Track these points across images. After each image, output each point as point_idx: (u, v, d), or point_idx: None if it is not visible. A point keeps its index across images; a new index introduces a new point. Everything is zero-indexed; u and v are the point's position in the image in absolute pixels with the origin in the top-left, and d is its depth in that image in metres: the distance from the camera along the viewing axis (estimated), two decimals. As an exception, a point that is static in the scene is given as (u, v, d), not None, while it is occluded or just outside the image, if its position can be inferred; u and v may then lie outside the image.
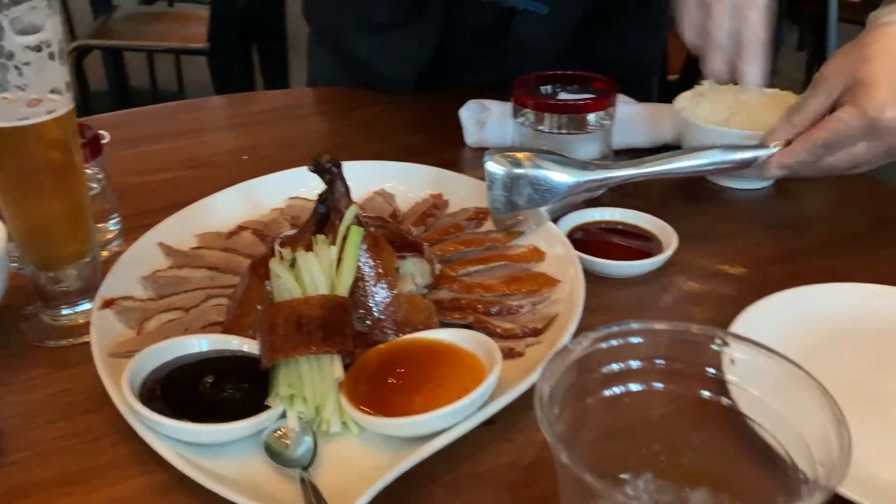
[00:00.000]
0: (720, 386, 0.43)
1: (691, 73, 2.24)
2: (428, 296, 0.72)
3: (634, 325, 0.43)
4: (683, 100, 0.97)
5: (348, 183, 0.70)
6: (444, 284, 0.75)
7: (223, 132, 1.19)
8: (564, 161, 0.82)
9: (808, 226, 0.91)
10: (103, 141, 0.86)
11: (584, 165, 0.82)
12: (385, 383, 0.60)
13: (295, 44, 3.51)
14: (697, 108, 0.94)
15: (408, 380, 0.61)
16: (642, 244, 0.83)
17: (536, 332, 0.68)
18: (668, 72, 2.14)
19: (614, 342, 0.43)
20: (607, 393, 0.44)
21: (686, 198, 0.95)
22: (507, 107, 1.01)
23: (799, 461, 0.39)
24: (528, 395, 0.60)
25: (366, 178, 0.89)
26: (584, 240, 0.82)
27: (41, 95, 0.63)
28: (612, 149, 0.97)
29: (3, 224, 0.70)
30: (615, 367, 0.43)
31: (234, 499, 0.52)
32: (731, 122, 0.91)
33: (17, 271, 0.76)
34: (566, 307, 0.71)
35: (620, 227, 0.85)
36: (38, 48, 0.61)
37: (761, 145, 0.83)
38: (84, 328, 0.72)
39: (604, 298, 0.76)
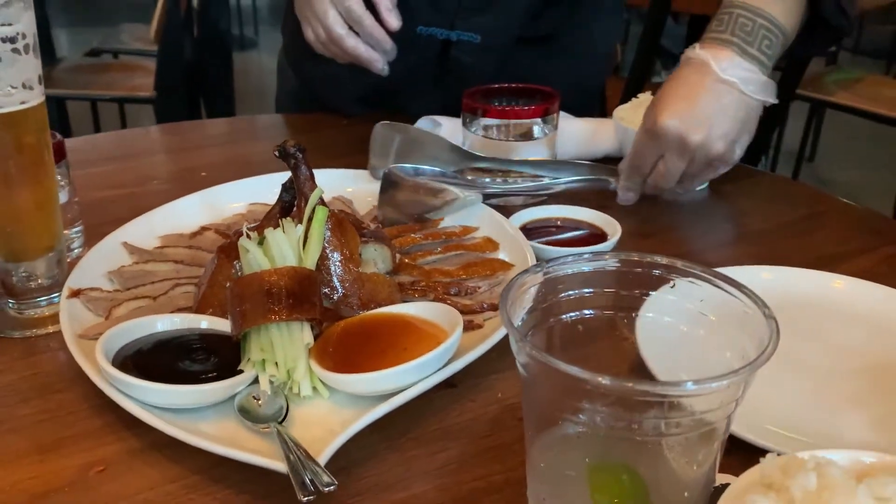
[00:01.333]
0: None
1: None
2: (389, 280, 0.76)
3: (586, 255, 0.47)
4: (623, 110, 1.04)
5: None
6: (404, 271, 0.78)
7: (181, 153, 1.22)
8: (441, 147, 0.94)
9: (739, 218, 0.99)
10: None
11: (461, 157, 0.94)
12: (352, 349, 0.63)
13: (241, 96, 3.57)
14: (636, 116, 1.01)
15: (373, 345, 0.64)
16: (588, 235, 0.88)
17: (494, 307, 0.72)
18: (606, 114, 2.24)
19: (569, 270, 0.47)
20: (564, 318, 0.48)
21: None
22: (458, 122, 1.07)
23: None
24: (487, 360, 0.64)
25: (324, 185, 0.93)
26: (534, 231, 0.87)
27: (15, 87, 0.66)
28: (556, 157, 1.03)
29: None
30: (572, 293, 0.47)
31: (214, 450, 0.53)
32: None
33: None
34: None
35: (566, 221, 0.91)
36: (13, 40, 0.64)
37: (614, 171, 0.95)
38: (48, 320, 0.73)
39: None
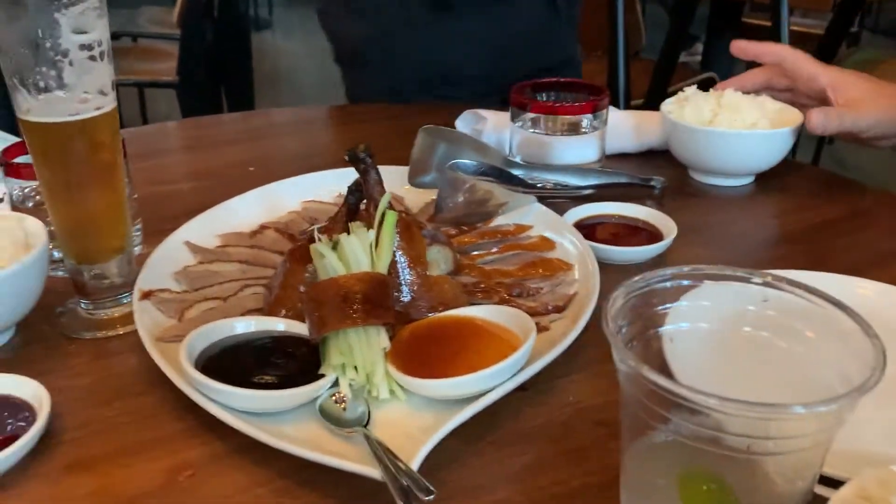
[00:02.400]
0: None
1: (654, 97, 2.36)
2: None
3: (685, 269, 0.48)
4: (670, 104, 1.04)
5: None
6: (464, 272, 0.79)
7: (225, 146, 1.22)
8: (486, 154, 0.93)
9: (786, 215, 0.99)
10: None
11: (502, 165, 0.94)
12: (426, 353, 0.64)
13: (257, 77, 3.57)
14: (683, 111, 1.02)
15: (447, 349, 0.65)
16: (643, 233, 0.89)
17: (559, 309, 0.73)
18: (631, 97, 2.24)
19: (668, 284, 0.48)
20: (662, 330, 0.49)
21: (676, 194, 1.01)
22: (503, 116, 1.07)
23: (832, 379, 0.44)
24: (557, 364, 0.65)
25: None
26: (589, 230, 0.88)
27: (90, 93, 0.66)
28: (604, 152, 1.04)
29: (45, 223, 0.73)
30: (669, 305, 0.48)
31: (304, 455, 0.55)
32: (715, 122, 0.99)
33: (51, 273, 0.78)
34: (582, 287, 0.76)
35: (620, 218, 0.91)
36: (90, 47, 0.65)
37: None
38: (119, 321, 0.74)
39: (612, 284, 0.81)
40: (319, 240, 0.67)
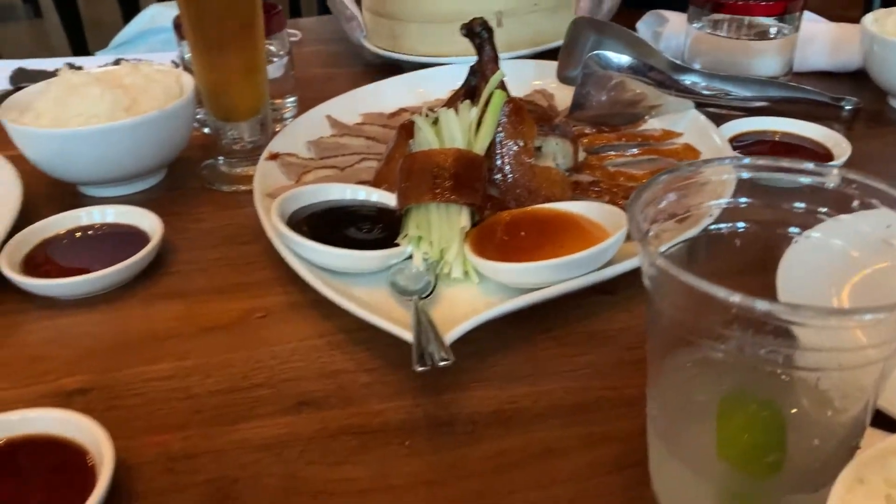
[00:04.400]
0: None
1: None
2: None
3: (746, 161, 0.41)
4: (875, 16, 0.88)
5: (508, 80, 0.71)
6: (585, 171, 0.74)
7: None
8: (644, 51, 0.83)
9: None
10: (293, 39, 0.93)
11: (658, 65, 0.84)
12: (508, 241, 0.62)
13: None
14: (886, 24, 0.86)
15: (531, 239, 0.61)
16: (806, 155, 0.78)
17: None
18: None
19: (727, 176, 0.41)
20: (714, 229, 0.43)
21: (869, 121, 0.87)
22: (685, 17, 0.97)
23: None
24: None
25: (530, 75, 0.91)
26: (748, 146, 0.78)
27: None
28: (791, 67, 0.91)
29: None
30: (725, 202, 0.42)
31: (356, 312, 0.55)
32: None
33: (198, 130, 0.85)
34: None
35: (784, 136, 0.80)
36: None
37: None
38: (251, 179, 0.79)
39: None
40: (426, 115, 0.66)
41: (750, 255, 0.44)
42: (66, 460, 0.45)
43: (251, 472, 0.47)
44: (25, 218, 0.70)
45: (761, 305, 0.32)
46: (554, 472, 0.46)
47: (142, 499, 0.45)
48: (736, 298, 0.33)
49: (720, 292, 0.33)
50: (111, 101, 0.73)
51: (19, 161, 0.77)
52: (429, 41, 0.99)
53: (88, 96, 0.73)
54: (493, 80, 0.66)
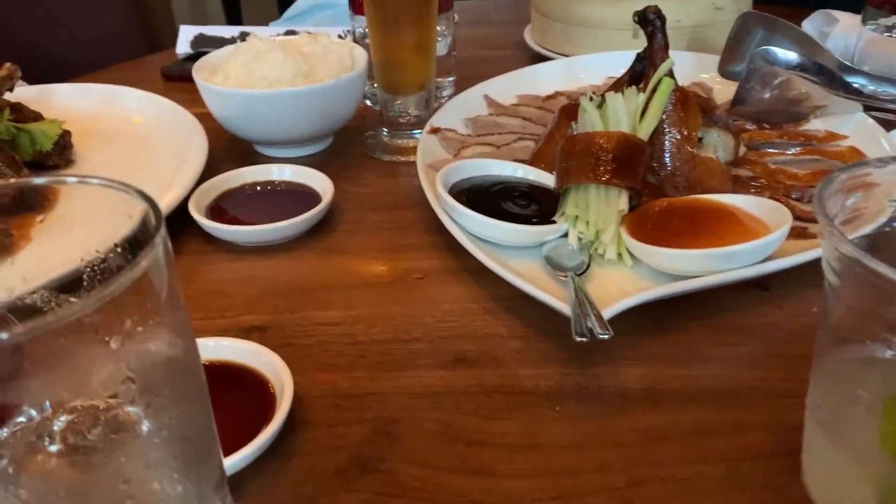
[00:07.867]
0: None
1: None
2: (726, 171, 0.72)
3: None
4: None
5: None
6: (745, 165, 0.74)
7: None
8: (813, 50, 0.80)
9: None
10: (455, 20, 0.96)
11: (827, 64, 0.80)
12: (666, 227, 0.62)
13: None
14: None
15: (688, 227, 0.62)
16: None
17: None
18: None
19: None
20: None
21: None
22: (857, 19, 0.94)
23: None
24: (811, 273, 0.59)
25: (693, 67, 0.91)
26: (917, 152, 0.75)
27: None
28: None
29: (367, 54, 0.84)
30: None
31: (514, 282, 0.58)
32: None
33: (364, 104, 0.90)
34: (875, 206, 0.66)
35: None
36: None
37: None
38: (411, 151, 0.83)
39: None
40: (591, 98, 0.68)
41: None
42: (251, 386, 0.50)
43: (412, 415, 0.50)
44: (207, 171, 0.76)
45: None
46: (703, 451, 0.47)
47: (313, 428, 0.50)
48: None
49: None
50: (292, 68, 0.79)
51: (204, 118, 0.84)
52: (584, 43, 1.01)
53: (272, 62, 0.79)
54: (664, 68, 0.66)
